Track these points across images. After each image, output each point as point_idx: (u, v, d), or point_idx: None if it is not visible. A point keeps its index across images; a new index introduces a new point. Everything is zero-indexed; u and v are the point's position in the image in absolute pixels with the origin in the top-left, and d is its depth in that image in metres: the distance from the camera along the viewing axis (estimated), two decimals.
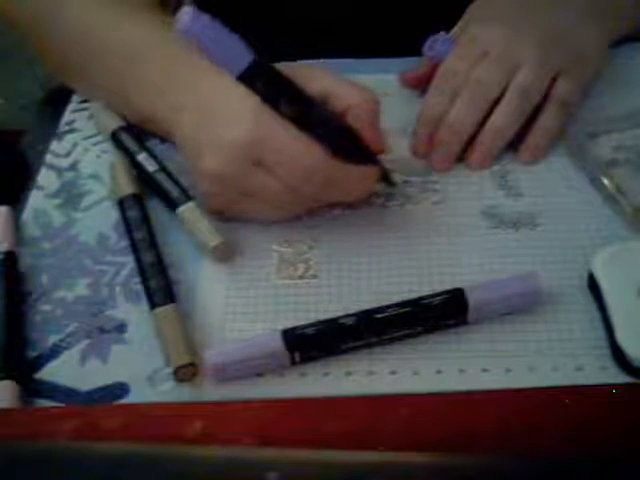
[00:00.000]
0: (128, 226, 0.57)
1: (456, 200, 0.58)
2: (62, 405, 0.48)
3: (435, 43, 0.63)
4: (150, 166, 0.60)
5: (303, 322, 0.49)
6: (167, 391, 0.48)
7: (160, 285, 0.52)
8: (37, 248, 0.57)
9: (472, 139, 0.60)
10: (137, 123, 0.63)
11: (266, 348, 0.48)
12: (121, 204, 0.58)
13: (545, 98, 0.60)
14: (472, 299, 0.49)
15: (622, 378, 0.47)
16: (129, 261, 0.55)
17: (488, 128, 0.59)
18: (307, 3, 0.73)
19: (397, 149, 0.58)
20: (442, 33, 0.63)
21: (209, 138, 0.53)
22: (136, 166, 0.60)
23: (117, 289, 0.54)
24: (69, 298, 0.54)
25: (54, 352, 0.51)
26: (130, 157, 0.61)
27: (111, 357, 0.50)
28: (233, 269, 0.55)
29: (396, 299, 0.50)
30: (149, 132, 0.63)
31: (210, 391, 0.48)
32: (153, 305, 0.52)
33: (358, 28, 0.73)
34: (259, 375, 0.49)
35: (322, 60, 0.67)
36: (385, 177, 0.57)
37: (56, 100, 0.69)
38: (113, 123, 0.63)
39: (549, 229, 0.55)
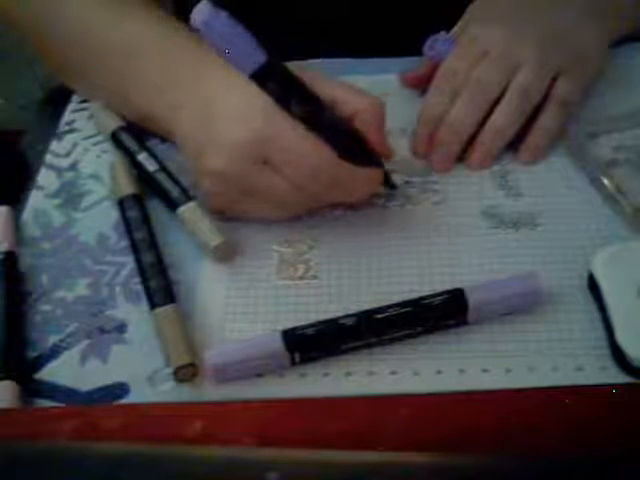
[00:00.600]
0: (128, 226, 0.57)
1: (456, 200, 0.58)
2: (62, 405, 0.48)
3: (435, 43, 0.63)
4: (150, 166, 0.60)
5: (303, 322, 0.49)
6: (167, 391, 0.48)
7: (160, 285, 0.52)
8: (37, 248, 0.57)
9: (472, 139, 0.60)
10: (137, 122, 0.62)
11: (266, 348, 0.48)
12: (121, 204, 0.58)
13: (545, 98, 0.60)
14: (472, 299, 0.49)
15: (622, 378, 0.47)
16: (129, 261, 0.55)
17: (488, 128, 0.59)
18: (307, 3, 0.73)
19: (397, 149, 0.58)
20: (442, 33, 0.63)
21: (210, 136, 0.53)
22: (136, 166, 0.60)
23: (117, 289, 0.54)
24: (69, 298, 0.54)
25: (54, 352, 0.51)
26: (130, 157, 0.61)
27: (111, 357, 0.50)
28: (233, 269, 0.55)
29: (396, 299, 0.50)
30: (150, 131, 0.62)
31: (210, 391, 0.48)
32: (153, 305, 0.52)
33: (358, 28, 0.73)
34: (259, 375, 0.49)
35: (322, 60, 0.67)
36: (386, 180, 0.57)
37: (56, 100, 0.69)
38: (113, 123, 0.63)
39: (549, 229, 0.55)
